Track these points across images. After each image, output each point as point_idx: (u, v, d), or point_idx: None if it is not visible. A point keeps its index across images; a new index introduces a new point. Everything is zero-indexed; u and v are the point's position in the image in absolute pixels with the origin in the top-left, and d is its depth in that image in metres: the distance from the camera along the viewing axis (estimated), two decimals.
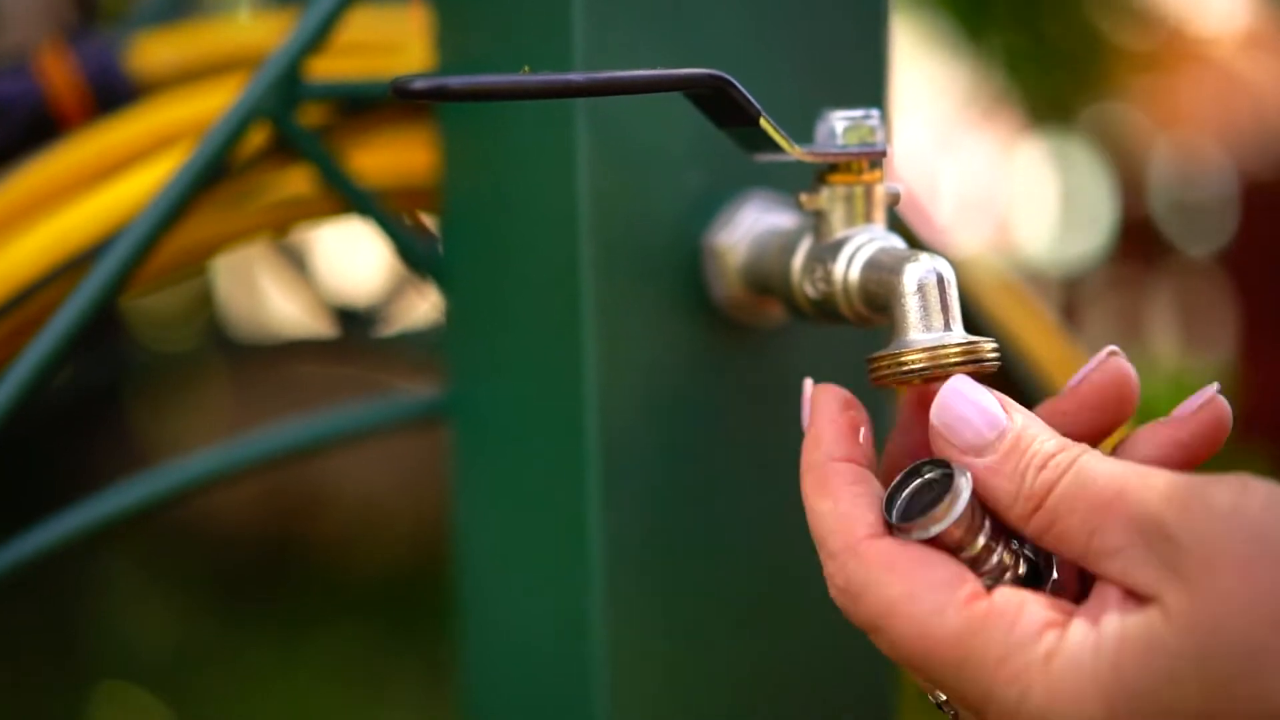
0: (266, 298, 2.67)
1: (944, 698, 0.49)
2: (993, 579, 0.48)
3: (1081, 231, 3.52)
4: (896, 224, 0.57)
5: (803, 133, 0.56)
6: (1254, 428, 2.34)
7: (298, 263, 1.07)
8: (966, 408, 0.48)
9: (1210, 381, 0.50)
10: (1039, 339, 0.80)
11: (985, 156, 3.65)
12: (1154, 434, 0.50)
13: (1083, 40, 3.21)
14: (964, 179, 3.63)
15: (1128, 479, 0.45)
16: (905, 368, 0.49)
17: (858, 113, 0.54)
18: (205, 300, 2.35)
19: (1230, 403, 0.49)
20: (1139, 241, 3.38)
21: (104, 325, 0.65)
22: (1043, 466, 0.47)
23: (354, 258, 2.05)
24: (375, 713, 1.96)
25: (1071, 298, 3.38)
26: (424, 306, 1.03)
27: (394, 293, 1.03)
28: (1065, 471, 0.46)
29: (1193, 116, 3.50)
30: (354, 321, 1.04)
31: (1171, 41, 3.43)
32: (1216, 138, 3.42)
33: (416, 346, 1.02)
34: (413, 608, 2.17)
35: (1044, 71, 3.23)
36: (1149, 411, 0.51)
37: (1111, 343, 0.53)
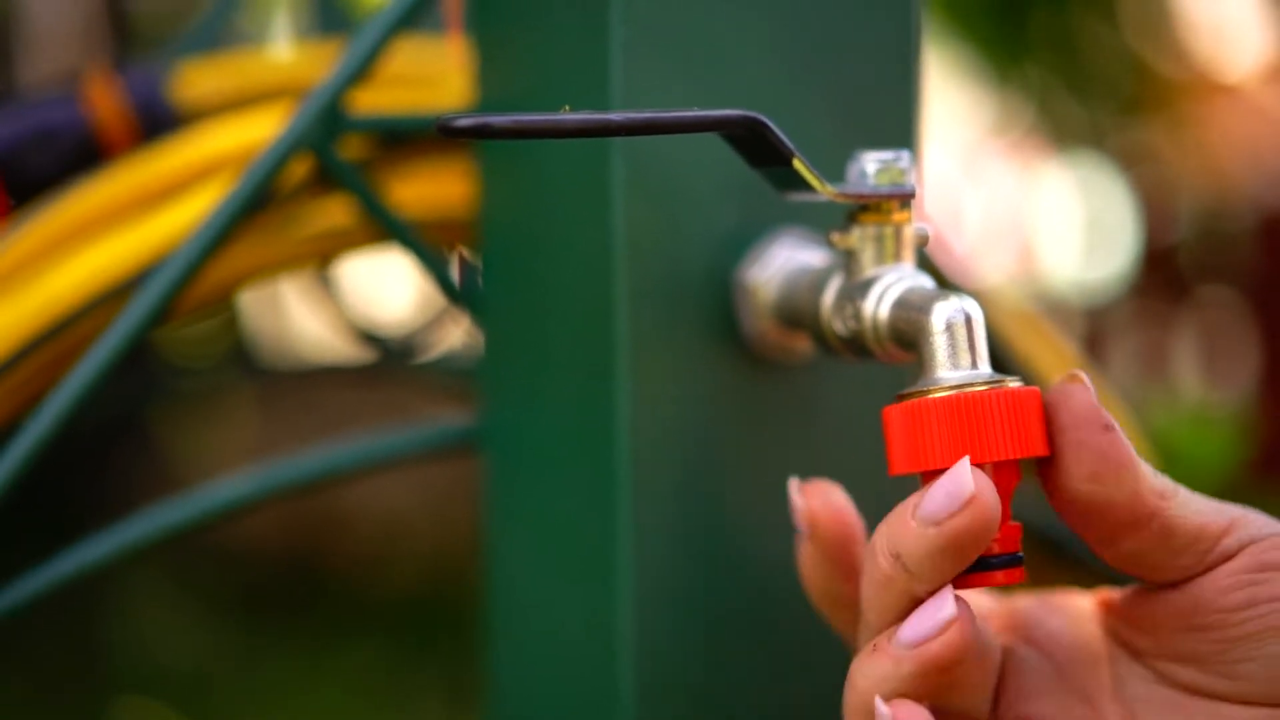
0: (292, 321, 2.68)
1: None
2: None
3: (1106, 261, 3.51)
4: (925, 263, 0.58)
5: (834, 172, 0.57)
6: (1275, 465, 2.33)
7: (328, 288, 1.08)
8: None
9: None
10: (1062, 373, 0.81)
11: (1010, 185, 3.65)
12: None
13: (1118, 65, 3.21)
14: (988, 207, 3.63)
15: None
16: None
17: (889, 154, 0.55)
18: (231, 323, 2.35)
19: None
20: (1163, 272, 3.37)
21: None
22: None
23: (384, 284, 2.06)
24: None
25: (1095, 328, 3.37)
26: (454, 335, 1.04)
27: (425, 320, 1.04)
28: None
29: (1219, 149, 3.49)
30: (383, 347, 1.04)
31: (1200, 73, 3.43)
32: (1243, 171, 3.41)
33: (446, 374, 1.03)
34: (435, 625, 2.18)
35: (1077, 94, 3.23)
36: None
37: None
